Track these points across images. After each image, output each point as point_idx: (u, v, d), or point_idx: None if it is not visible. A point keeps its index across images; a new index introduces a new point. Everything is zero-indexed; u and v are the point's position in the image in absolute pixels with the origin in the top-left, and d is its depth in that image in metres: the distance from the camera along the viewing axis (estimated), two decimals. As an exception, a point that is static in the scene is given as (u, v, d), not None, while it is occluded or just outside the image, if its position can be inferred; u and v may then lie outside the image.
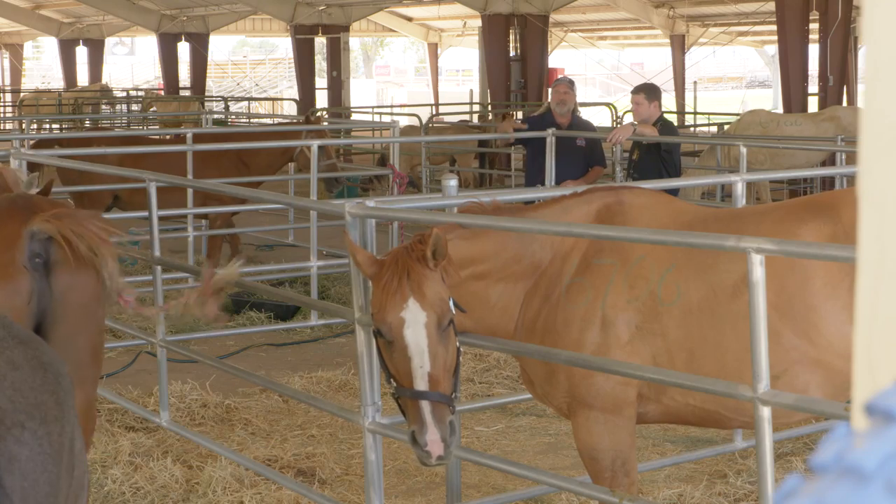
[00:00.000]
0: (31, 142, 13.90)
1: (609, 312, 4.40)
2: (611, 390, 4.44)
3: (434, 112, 29.38)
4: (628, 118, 11.12)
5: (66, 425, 2.95)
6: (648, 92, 10.04)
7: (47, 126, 27.86)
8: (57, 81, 49.16)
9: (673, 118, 20.83)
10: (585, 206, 4.61)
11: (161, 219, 8.53)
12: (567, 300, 4.47)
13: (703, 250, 4.29)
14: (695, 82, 35.61)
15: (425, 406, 4.10)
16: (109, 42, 47.48)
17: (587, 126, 11.19)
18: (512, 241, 4.57)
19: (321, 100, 30.51)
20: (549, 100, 11.18)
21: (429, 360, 4.12)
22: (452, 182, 5.56)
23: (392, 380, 4.24)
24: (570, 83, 10.95)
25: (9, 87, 43.48)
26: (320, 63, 35.28)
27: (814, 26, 20.11)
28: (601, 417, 4.46)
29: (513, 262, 4.57)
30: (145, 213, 7.78)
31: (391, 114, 29.22)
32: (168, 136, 15.35)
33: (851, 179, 9.57)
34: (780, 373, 4.16)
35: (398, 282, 4.14)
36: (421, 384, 4.11)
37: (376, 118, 29.17)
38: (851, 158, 11.22)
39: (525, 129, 10.82)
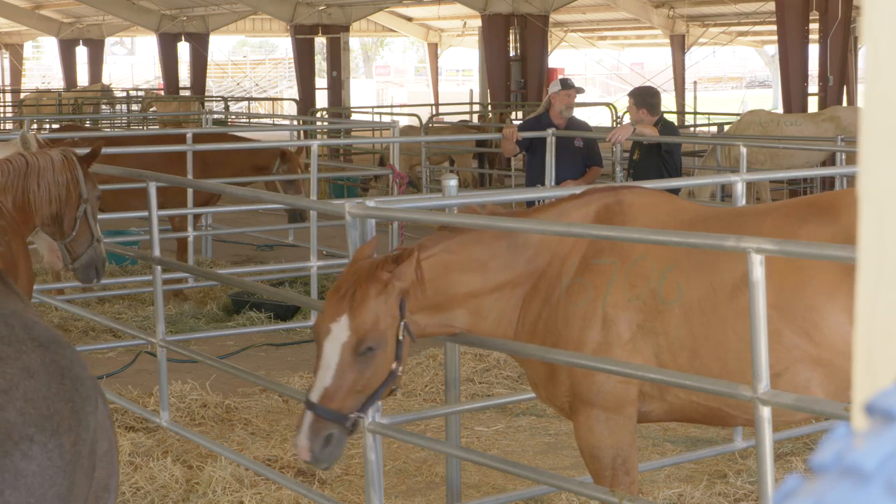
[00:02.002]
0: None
1: (610, 311, 4.40)
2: (612, 388, 4.45)
3: (434, 112, 29.37)
4: (628, 118, 11.09)
5: (81, 432, 2.87)
6: (637, 97, 9.98)
7: (47, 126, 27.86)
8: (57, 81, 49.17)
9: (673, 118, 20.84)
10: (584, 209, 4.61)
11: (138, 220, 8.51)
12: (567, 300, 4.47)
13: (703, 249, 4.28)
14: (695, 82, 35.60)
15: (307, 416, 4.21)
16: (109, 42, 47.47)
17: (583, 126, 11.15)
18: (502, 250, 4.56)
19: (321, 100, 30.50)
20: (547, 100, 11.06)
21: (331, 378, 4.20)
22: (452, 182, 5.56)
23: None
24: (578, 89, 10.87)
25: (9, 87, 43.47)
26: (320, 63, 35.27)
27: (814, 26, 20.11)
28: (602, 416, 4.47)
29: (502, 270, 4.55)
30: (145, 213, 7.77)
31: (391, 114, 29.22)
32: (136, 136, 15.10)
33: (851, 179, 9.57)
34: (782, 371, 4.17)
35: (344, 293, 4.21)
36: (314, 395, 4.21)
37: (376, 118, 29.17)
38: (851, 158, 11.22)
39: (521, 139, 10.71)
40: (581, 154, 10.54)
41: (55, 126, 26.04)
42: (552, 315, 4.49)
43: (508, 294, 4.57)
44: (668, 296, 4.34)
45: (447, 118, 28.81)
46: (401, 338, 4.30)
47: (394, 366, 4.30)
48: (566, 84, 10.78)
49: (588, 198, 4.68)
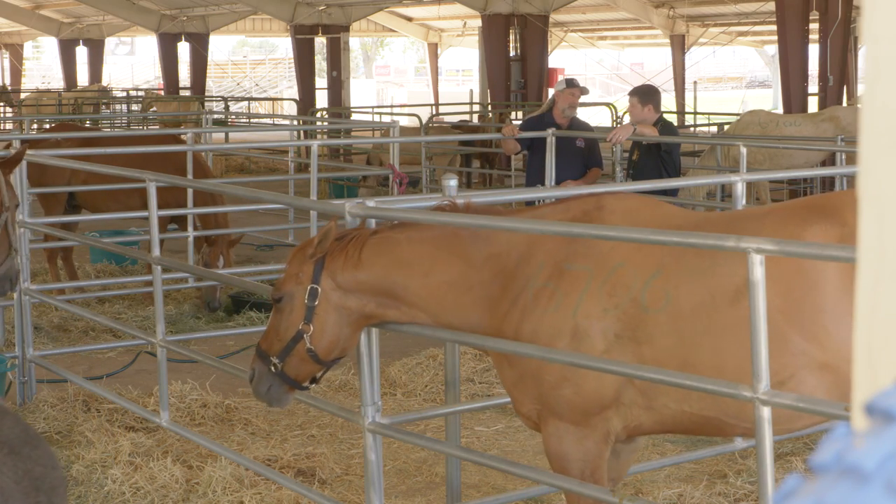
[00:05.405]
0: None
1: (582, 322, 4.22)
2: (581, 401, 4.28)
3: (434, 112, 29.38)
4: (628, 118, 11.12)
5: None
6: (642, 95, 9.99)
7: (47, 126, 27.86)
8: (57, 81, 49.17)
9: (673, 118, 20.84)
10: (561, 214, 4.44)
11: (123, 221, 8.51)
12: (535, 304, 4.31)
13: (695, 253, 4.11)
14: (695, 82, 35.61)
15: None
16: (109, 42, 47.47)
17: (585, 127, 11.14)
18: (459, 245, 4.48)
19: (321, 100, 30.51)
20: (551, 99, 11.05)
21: (270, 320, 4.77)
22: (453, 182, 5.56)
23: None
24: (583, 89, 10.84)
25: (9, 87, 43.48)
26: (320, 63, 35.28)
27: (814, 26, 20.11)
28: (571, 428, 4.34)
29: (456, 263, 4.47)
30: (145, 213, 7.76)
31: (391, 114, 29.24)
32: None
33: (851, 179, 9.57)
34: (787, 378, 4.02)
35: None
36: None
37: (376, 118, 29.18)
38: (851, 158, 11.21)
39: (519, 135, 10.69)
40: (582, 154, 10.53)
41: (46, 126, 26.11)
42: (520, 319, 4.35)
43: (464, 290, 4.47)
44: (653, 304, 4.14)
45: (447, 118, 28.81)
46: (306, 301, 4.57)
47: (301, 326, 4.58)
48: (571, 83, 10.78)
49: (567, 203, 4.53)
